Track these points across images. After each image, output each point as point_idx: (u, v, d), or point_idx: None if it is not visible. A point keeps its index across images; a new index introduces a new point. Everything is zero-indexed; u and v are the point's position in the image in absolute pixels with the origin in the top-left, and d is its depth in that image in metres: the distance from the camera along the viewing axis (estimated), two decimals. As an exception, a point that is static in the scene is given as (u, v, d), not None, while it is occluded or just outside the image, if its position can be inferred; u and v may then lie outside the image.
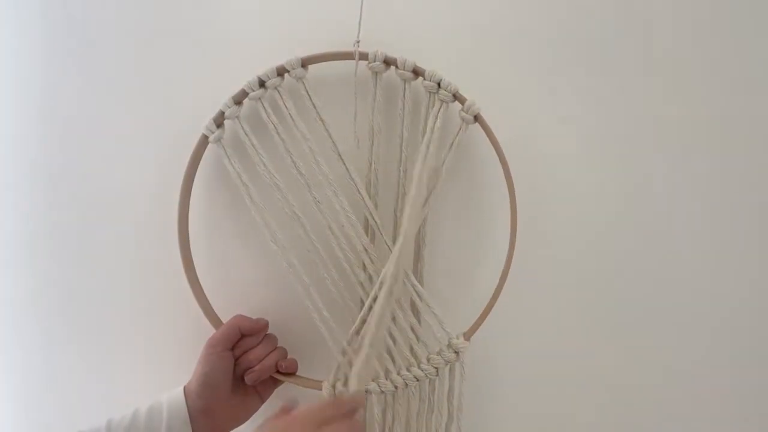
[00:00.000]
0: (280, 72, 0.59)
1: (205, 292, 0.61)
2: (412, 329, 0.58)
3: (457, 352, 0.57)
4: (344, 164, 0.59)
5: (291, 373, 0.60)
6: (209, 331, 0.59)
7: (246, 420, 0.60)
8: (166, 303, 0.64)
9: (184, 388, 0.57)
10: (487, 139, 0.58)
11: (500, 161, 0.58)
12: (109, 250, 0.66)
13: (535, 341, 0.62)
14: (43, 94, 0.66)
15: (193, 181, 0.61)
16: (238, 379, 0.59)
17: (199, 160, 0.61)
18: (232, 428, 0.59)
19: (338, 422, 0.48)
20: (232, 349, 0.58)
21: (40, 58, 0.66)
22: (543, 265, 0.62)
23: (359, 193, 0.58)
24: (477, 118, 0.57)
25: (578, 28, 0.62)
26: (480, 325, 0.57)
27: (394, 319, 0.58)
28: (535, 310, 0.62)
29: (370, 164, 0.59)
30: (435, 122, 0.57)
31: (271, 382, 0.61)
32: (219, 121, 0.60)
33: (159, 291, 0.65)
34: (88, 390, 0.55)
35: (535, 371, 0.63)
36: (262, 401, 0.61)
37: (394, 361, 0.59)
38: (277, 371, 0.59)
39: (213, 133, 0.60)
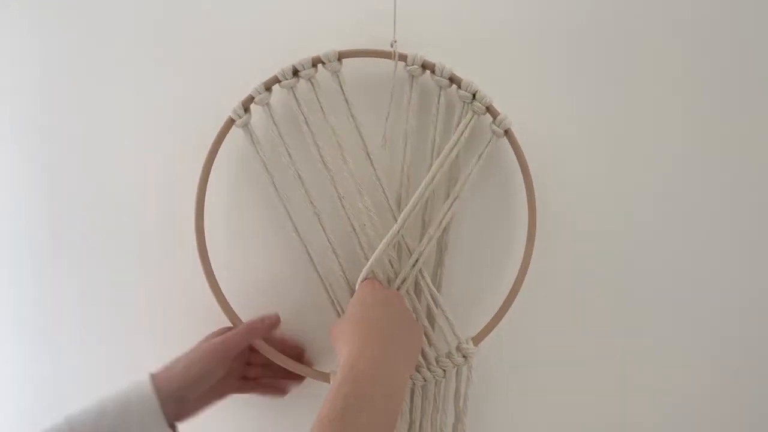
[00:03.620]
0: (315, 63, 0.58)
1: (222, 282, 0.60)
2: (425, 333, 0.60)
3: (465, 356, 0.59)
4: (372, 164, 0.59)
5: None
6: (223, 322, 0.59)
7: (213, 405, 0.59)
8: (181, 293, 0.64)
9: (164, 373, 0.54)
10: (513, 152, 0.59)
11: (523, 175, 0.59)
12: (125, 243, 0.65)
13: (545, 348, 0.64)
14: (65, 72, 0.64)
15: (212, 162, 0.60)
16: (221, 381, 0.57)
17: (221, 142, 0.60)
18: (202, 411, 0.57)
19: None
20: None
21: (56, 35, 0.63)
22: (557, 275, 0.63)
23: (384, 194, 0.59)
24: (507, 132, 0.59)
25: (608, 40, 0.62)
26: (490, 331, 0.60)
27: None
28: (546, 318, 0.63)
29: (402, 167, 0.59)
30: (464, 131, 0.58)
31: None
32: (247, 105, 0.59)
33: (174, 280, 0.64)
34: (103, 385, 0.54)
35: (543, 378, 0.65)
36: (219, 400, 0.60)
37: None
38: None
39: (240, 117, 0.59)
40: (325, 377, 0.61)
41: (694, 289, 0.65)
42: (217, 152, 0.60)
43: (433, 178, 0.58)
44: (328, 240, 0.59)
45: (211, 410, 0.57)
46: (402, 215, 0.57)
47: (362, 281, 0.57)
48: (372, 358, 0.47)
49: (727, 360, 0.66)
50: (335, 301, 0.60)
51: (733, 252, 0.65)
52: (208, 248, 0.59)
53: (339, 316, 0.61)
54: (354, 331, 0.51)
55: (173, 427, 0.53)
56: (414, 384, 0.60)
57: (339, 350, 0.52)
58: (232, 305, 0.59)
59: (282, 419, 0.65)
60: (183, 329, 0.61)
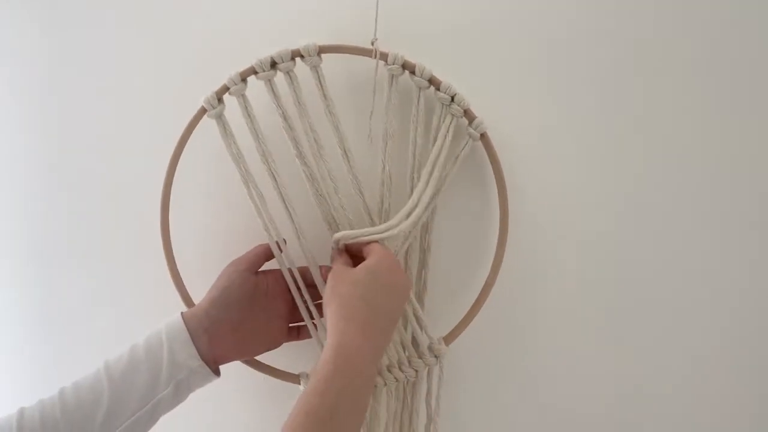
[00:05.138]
0: (294, 56, 0.57)
1: (190, 279, 0.58)
2: (399, 335, 0.60)
3: (437, 356, 0.59)
4: (348, 162, 0.58)
5: None
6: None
7: (248, 357, 0.58)
8: (147, 289, 0.61)
9: (190, 310, 0.55)
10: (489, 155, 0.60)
11: (496, 178, 0.60)
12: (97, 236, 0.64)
13: (517, 348, 0.64)
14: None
15: (181, 152, 0.58)
16: (257, 315, 0.57)
17: (191, 132, 0.58)
18: (233, 359, 0.57)
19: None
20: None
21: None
22: (530, 277, 0.63)
23: (360, 193, 0.58)
24: (483, 136, 0.60)
25: (590, 44, 0.61)
26: (461, 331, 0.60)
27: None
28: (518, 319, 0.64)
29: (384, 167, 0.58)
30: (446, 135, 0.58)
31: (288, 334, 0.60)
32: (221, 95, 0.57)
33: (138, 275, 0.61)
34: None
35: (515, 378, 0.65)
36: (268, 348, 0.59)
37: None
38: None
39: (214, 108, 0.56)
40: (294, 379, 0.59)
41: (672, 288, 0.63)
42: (186, 142, 0.58)
43: (427, 184, 0.57)
44: (300, 237, 0.58)
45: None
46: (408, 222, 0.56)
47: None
48: (369, 356, 0.46)
49: (707, 361, 0.65)
50: (306, 300, 0.59)
51: (719, 247, 0.62)
52: (176, 245, 0.57)
53: (309, 316, 0.59)
54: (356, 313, 0.48)
55: (213, 368, 0.53)
56: (386, 384, 0.59)
57: (332, 316, 0.48)
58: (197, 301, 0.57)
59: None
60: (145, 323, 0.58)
